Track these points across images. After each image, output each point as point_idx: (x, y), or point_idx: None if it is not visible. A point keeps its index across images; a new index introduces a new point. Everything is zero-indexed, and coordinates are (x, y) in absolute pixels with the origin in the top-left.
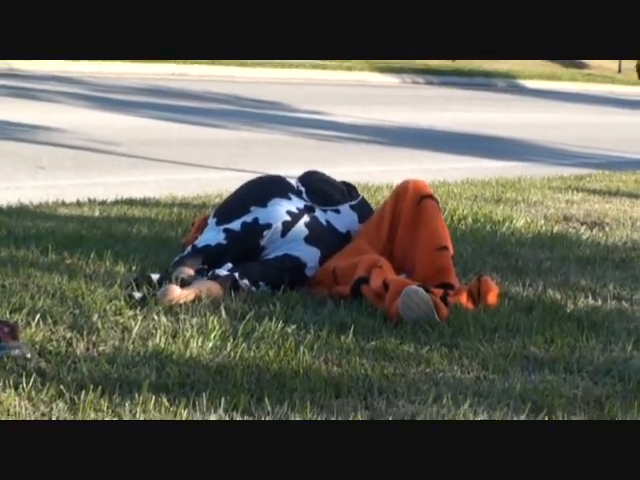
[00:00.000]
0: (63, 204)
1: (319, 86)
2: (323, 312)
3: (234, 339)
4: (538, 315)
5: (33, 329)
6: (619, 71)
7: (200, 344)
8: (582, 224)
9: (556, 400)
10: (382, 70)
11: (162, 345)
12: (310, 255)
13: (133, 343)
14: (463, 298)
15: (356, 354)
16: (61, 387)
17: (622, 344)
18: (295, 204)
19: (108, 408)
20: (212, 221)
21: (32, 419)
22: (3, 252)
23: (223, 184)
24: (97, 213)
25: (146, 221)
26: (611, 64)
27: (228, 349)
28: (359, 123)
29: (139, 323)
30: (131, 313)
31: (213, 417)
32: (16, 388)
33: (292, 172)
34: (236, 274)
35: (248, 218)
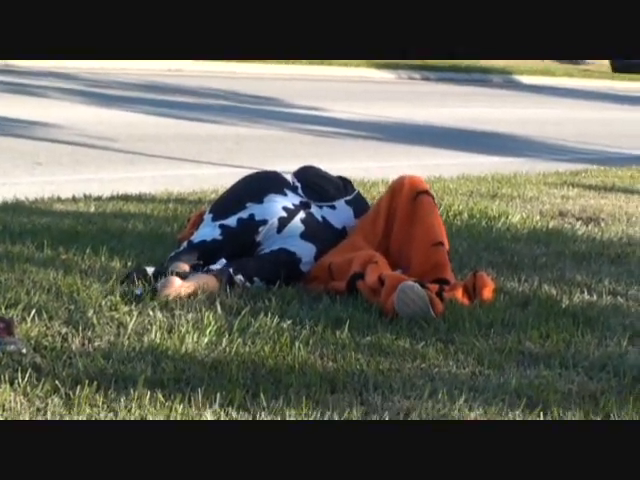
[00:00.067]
0: (59, 200)
1: (316, 82)
2: (319, 307)
3: (230, 334)
4: (533, 310)
5: (28, 324)
6: None
7: (196, 339)
8: (578, 219)
9: (551, 395)
10: (379, 66)
11: (157, 340)
12: (306, 251)
13: (128, 338)
14: (459, 293)
15: (351, 349)
16: (56, 382)
17: (617, 339)
18: (291, 200)
19: (103, 403)
20: (208, 217)
21: (27, 414)
22: None
23: (219, 180)
24: (93, 209)
25: (142, 217)
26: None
27: (224, 344)
28: (356, 119)
29: (134, 318)
30: (126, 309)
31: (208, 412)
32: (11, 383)
33: (289, 168)
34: (230, 269)
35: (244, 214)
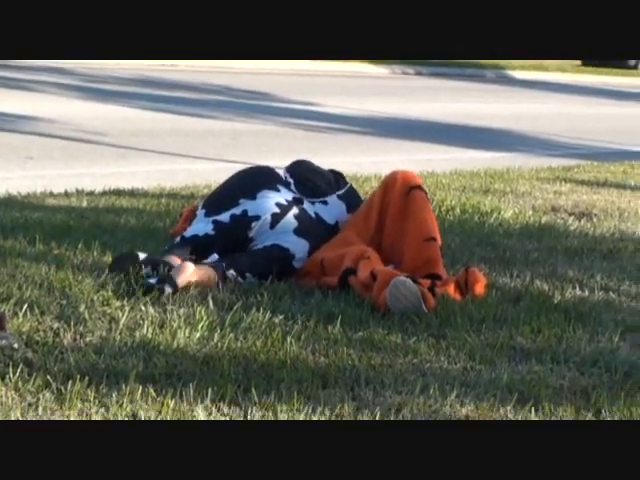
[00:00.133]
0: (51, 194)
1: (310, 77)
2: (311, 302)
3: (221, 329)
4: (525, 306)
5: (20, 319)
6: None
7: (187, 335)
8: (570, 215)
9: (543, 390)
10: (372, 61)
11: (149, 336)
12: (299, 247)
13: (120, 334)
14: (451, 289)
15: (343, 344)
16: (48, 377)
17: (609, 335)
18: (284, 196)
19: (95, 398)
20: (201, 212)
21: (19, 409)
22: None
23: (212, 175)
24: (85, 204)
25: (134, 212)
26: None
27: (215, 340)
28: (350, 114)
29: (126, 314)
30: (118, 304)
31: (200, 407)
32: (3, 378)
33: (283, 163)
34: (223, 264)
35: (237, 210)
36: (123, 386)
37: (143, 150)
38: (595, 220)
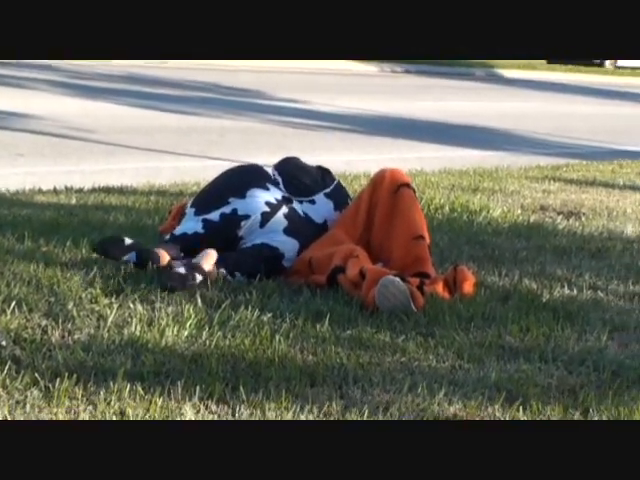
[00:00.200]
0: (40, 191)
1: (298, 74)
2: (299, 301)
3: (210, 328)
4: (514, 304)
5: (8, 317)
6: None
7: (176, 332)
8: (559, 214)
9: (531, 389)
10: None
11: (137, 333)
12: (289, 246)
13: (108, 331)
14: (439, 287)
15: (332, 343)
16: (36, 375)
17: (597, 334)
18: (273, 195)
19: (83, 396)
20: (190, 211)
21: (6, 407)
22: None
23: (201, 172)
24: (74, 201)
25: (123, 209)
26: None
27: (204, 338)
28: (338, 112)
29: (114, 311)
30: (106, 301)
31: (188, 405)
32: None
33: (270, 160)
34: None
35: (227, 209)
36: (111, 384)
37: (132, 147)
38: (583, 219)
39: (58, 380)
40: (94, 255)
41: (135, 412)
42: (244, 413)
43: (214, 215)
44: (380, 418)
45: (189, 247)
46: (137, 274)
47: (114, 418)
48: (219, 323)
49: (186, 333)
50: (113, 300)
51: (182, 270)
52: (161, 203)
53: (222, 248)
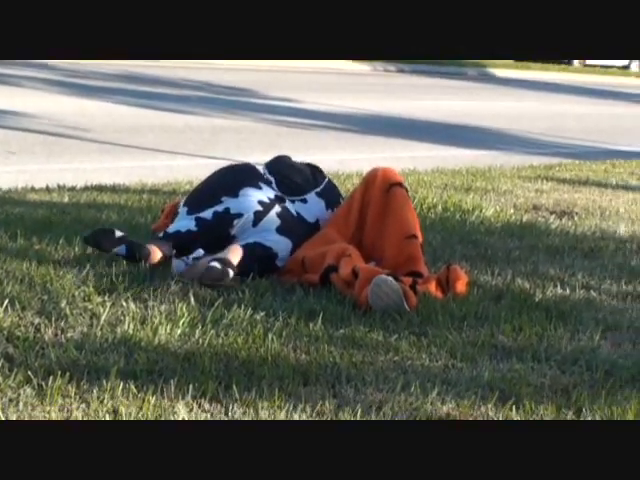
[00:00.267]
0: (32, 190)
1: (291, 73)
2: (292, 299)
3: (203, 326)
4: (507, 304)
5: (1, 315)
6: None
7: (169, 331)
8: (551, 213)
9: (524, 389)
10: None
11: (130, 332)
12: (282, 245)
13: (101, 329)
14: (432, 287)
15: (325, 342)
16: (29, 373)
17: (590, 333)
18: (266, 194)
19: (76, 394)
20: (183, 210)
21: None
22: None
23: (193, 171)
24: (67, 199)
25: (116, 207)
26: None
27: (196, 336)
28: (331, 110)
29: (107, 309)
30: (99, 299)
31: (181, 404)
32: None
33: (263, 159)
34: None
35: (219, 208)
36: (104, 382)
37: (125, 146)
38: (576, 219)
39: (51, 378)
40: (87, 253)
41: (128, 410)
42: (237, 412)
43: (207, 213)
44: (373, 417)
45: (182, 245)
46: (130, 272)
47: (107, 416)
48: (212, 321)
49: (179, 331)
50: (106, 298)
51: (218, 266)
52: (154, 201)
53: (215, 246)
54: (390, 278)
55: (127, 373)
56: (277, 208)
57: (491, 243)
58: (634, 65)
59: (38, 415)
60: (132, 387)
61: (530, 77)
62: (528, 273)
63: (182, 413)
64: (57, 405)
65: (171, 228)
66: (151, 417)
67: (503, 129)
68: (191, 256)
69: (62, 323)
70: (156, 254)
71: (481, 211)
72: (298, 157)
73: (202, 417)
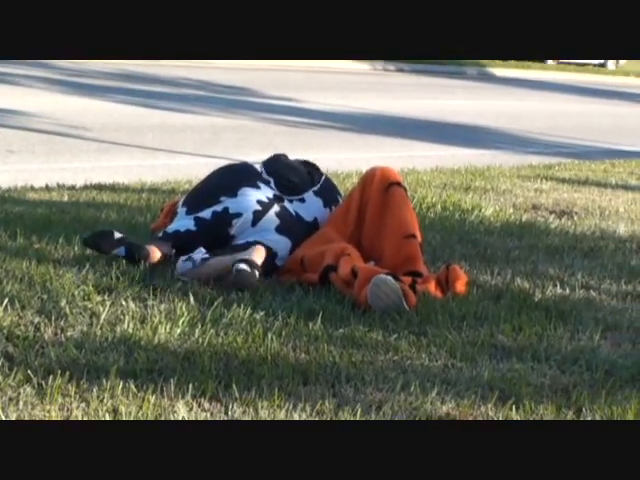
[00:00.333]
0: (32, 189)
1: (290, 72)
2: (291, 299)
3: (202, 325)
4: (506, 304)
5: (1, 314)
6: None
7: (168, 330)
8: (551, 213)
9: (523, 388)
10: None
11: (130, 331)
12: (281, 245)
13: (101, 328)
14: (431, 286)
15: (324, 341)
16: (29, 372)
17: (590, 333)
18: (264, 193)
19: (76, 393)
20: (182, 210)
21: None
22: None
23: (193, 170)
24: (66, 198)
25: (115, 206)
26: None
27: (196, 335)
28: (330, 110)
29: (107, 308)
30: (99, 298)
31: (181, 403)
32: None
33: (262, 158)
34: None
35: (218, 207)
36: (104, 381)
37: (124, 145)
38: (576, 218)
39: (51, 377)
40: (86, 252)
41: (128, 409)
42: (237, 411)
43: (206, 213)
44: (373, 417)
45: (181, 244)
46: (130, 271)
47: (107, 415)
48: (212, 321)
49: (179, 331)
50: (106, 297)
51: (247, 269)
52: (153, 200)
53: (214, 246)
54: (389, 278)
55: (127, 372)
56: (276, 207)
57: (490, 243)
58: (610, 63)
59: (38, 414)
60: (132, 386)
61: (529, 76)
62: (527, 273)
63: (182, 412)
64: (57, 404)
65: (170, 228)
66: (151, 416)
67: (502, 128)
68: (199, 256)
69: (62, 322)
70: (155, 254)
71: (480, 210)
72: (297, 156)
73: (202, 416)
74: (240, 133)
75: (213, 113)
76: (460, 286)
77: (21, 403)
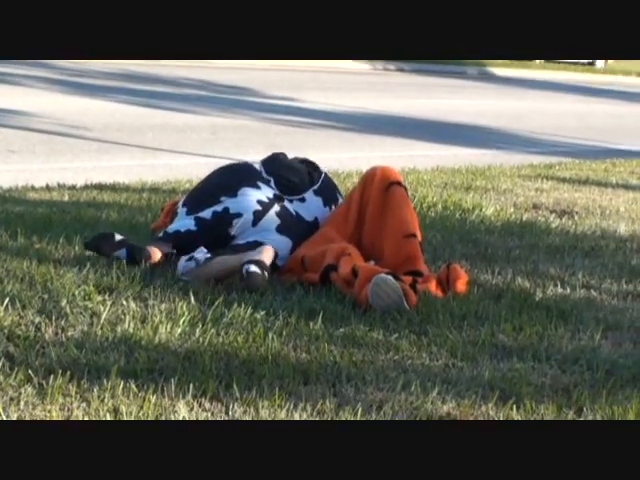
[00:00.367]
0: (33, 188)
1: (291, 72)
2: (292, 298)
3: (203, 325)
4: (507, 303)
5: (2, 314)
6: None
7: (169, 330)
8: (551, 212)
9: (524, 388)
10: None
11: (131, 330)
12: (282, 244)
13: (102, 328)
14: (432, 286)
15: (325, 341)
16: (29, 372)
17: (590, 333)
18: (265, 193)
19: (76, 393)
20: (182, 211)
21: (0, 403)
22: None
23: (193, 170)
24: (67, 198)
25: (115, 206)
26: None
27: (197, 335)
28: (330, 109)
29: (108, 308)
30: (100, 298)
31: (181, 403)
32: None
33: (261, 158)
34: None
35: (218, 208)
36: (105, 381)
37: (125, 145)
38: (576, 218)
39: (52, 377)
40: (87, 252)
41: (128, 409)
42: (237, 411)
43: (206, 213)
44: (373, 416)
45: (182, 244)
46: (130, 271)
47: (108, 415)
48: (212, 320)
49: (179, 330)
50: (106, 297)
51: (258, 271)
52: (153, 200)
53: (215, 246)
54: (390, 277)
55: (127, 372)
56: (276, 207)
57: (491, 242)
58: (599, 62)
59: (39, 414)
60: (132, 386)
61: (530, 76)
62: (528, 272)
63: (182, 412)
64: (58, 404)
65: (170, 228)
66: (151, 416)
67: (503, 128)
68: (202, 255)
69: (62, 322)
70: (156, 255)
71: (481, 210)
72: (297, 156)
73: (202, 416)
74: (241, 133)
75: (214, 113)
76: (461, 285)
77: (22, 403)
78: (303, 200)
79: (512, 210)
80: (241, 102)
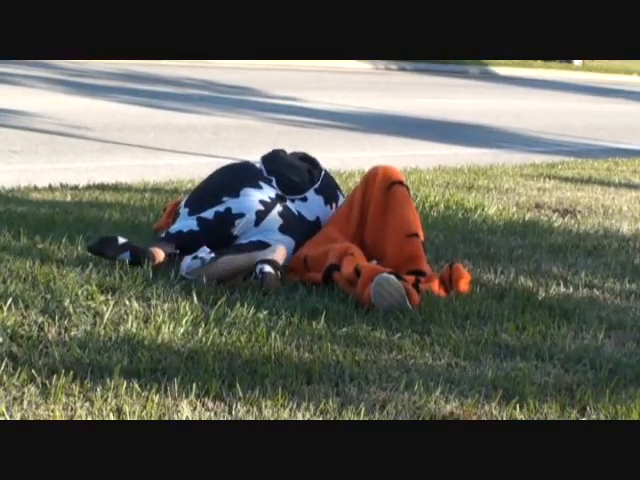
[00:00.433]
0: (35, 189)
1: (293, 72)
2: (295, 298)
3: (206, 324)
4: (510, 302)
5: (5, 313)
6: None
7: (172, 329)
8: (554, 212)
9: (527, 387)
10: None
11: (134, 330)
12: (285, 244)
13: (105, 328)
14: (435, 285)
15: (328, 340)
16: (33, 371)
17: (593, 332)
18: (267, 193)
19: (79, 393)
20: (184, 211)
21: (3, 403)
22: None
23: (196, 169)
24: (69, 198)
25: (118, 206)
26: None
27: (200, 334)
28: (332, 109)
29: (111, 308)
30: (102, 298)
31: (184, 402)
32: None
33: (262, 155)
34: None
35: (221, 208)
36: (108, 381)
37: (127, 145)
38: (579, 217)
39: (55, 377)
40: (89, 252)
41: (132, 409)
42: (240, 410)
43: (208, 214)
44: (376, 416)
45: (184, 245)
46: (133, 271)
47: (111, 415)
48: (215, 320)
49: (182, 330)
50: (109, 297)
51: (272, 271)
52: (156, 200)
53: (217, 246)
54: (392, 277)
55: (131, 372)
56: (278, 207)
57: (494, 241)
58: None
59: (42, 414)
60: (136, 386)
61: (531, 75)
62: (531, 271)
63: (186, 412)
64: (61, 404)
65: (173, 228)
66: (155, 416)
67: (505, 127)
68: (207, 255)
69: (65, 322)
70: (160, 256)
71: (483, 209)
72: None
73: (205, 416)
74: (243, 133)
75: (216, 113)
76: (463, 285)
77: (25, 403)
78: (305, 200)
79: (514, 209)
80: (244, 102)
